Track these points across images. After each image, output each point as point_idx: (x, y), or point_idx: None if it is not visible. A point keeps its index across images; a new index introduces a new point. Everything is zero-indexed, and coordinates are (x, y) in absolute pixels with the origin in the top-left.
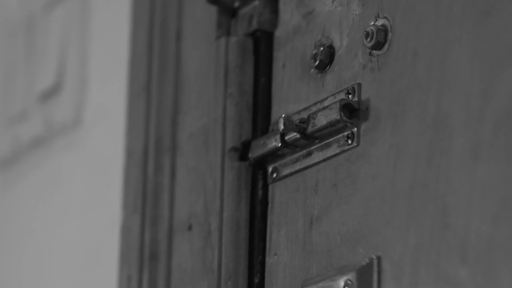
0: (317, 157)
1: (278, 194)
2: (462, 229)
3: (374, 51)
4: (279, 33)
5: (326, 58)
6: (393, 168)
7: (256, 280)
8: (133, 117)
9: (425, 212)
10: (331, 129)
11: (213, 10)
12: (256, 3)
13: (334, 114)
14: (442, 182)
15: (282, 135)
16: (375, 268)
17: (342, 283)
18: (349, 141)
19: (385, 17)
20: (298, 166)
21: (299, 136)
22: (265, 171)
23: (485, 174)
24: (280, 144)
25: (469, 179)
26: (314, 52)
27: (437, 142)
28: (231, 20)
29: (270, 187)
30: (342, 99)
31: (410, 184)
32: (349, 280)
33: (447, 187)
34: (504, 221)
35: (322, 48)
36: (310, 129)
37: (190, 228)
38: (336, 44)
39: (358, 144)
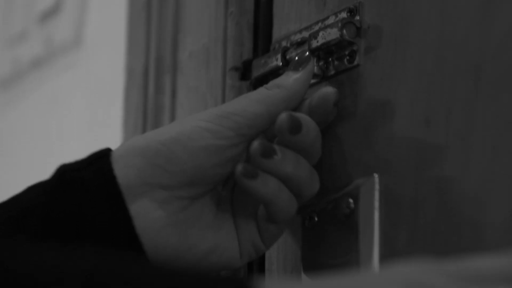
0: (318, 76)
1: None
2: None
3: None
4: None
5: None
6: (395, 88)
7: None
8: (133, 37)
9: (426, 133)
10: (333, 48)
11: None
12: None
13: (335, 33)
14: (443, 100)
15: (284, 54)
16: (377, 187)
17: (343, 201)
18: (351, 60)
19: None
20: None
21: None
22: None
23: (486, 103)
24: (281, 63)
25: (471, 108)
26: None
27: (440, 62)
28: None
29: None
30: (343, 18)
31: (410, 103)
32: (351, 198)
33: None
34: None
35: None
36: (311, 47)
37: None
38: None
39: (359, 63)
